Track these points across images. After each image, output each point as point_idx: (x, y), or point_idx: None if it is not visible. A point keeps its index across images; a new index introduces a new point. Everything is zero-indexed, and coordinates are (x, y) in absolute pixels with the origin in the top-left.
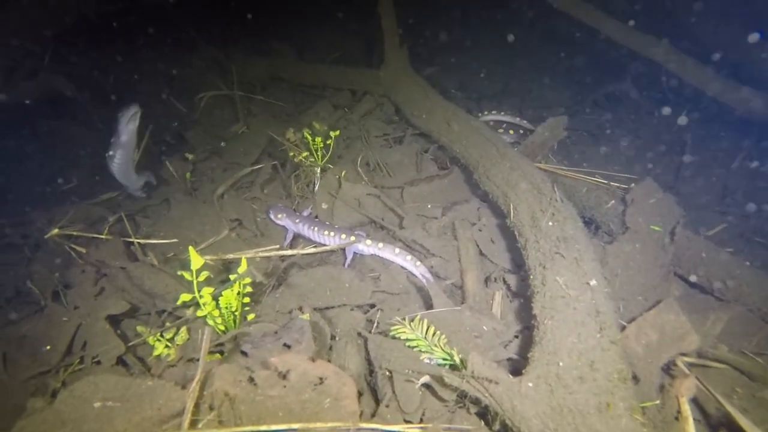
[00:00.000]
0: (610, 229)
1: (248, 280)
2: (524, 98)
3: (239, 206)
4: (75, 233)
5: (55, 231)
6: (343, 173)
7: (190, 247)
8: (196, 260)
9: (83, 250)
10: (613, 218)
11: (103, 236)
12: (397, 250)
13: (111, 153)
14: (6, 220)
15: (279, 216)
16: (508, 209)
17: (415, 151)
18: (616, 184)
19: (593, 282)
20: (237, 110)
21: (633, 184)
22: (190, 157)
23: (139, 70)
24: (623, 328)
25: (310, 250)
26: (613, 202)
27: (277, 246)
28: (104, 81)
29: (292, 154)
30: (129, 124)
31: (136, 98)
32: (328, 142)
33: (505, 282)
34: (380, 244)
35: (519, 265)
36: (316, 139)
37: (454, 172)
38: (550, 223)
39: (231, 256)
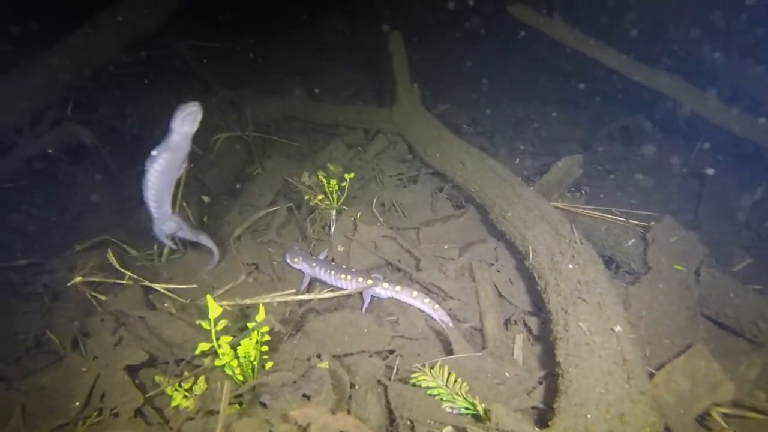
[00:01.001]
0: (631, 269)
1: (266, 328)
2: (537, 132)
3: (255, 250)
4: (97, 280)
5: (78, 279)
6: (358, 215)
7: (208, 296)
8: (214, 309)
9: (104, 298)
10: (634, 257)
11: (124, 282)
12: (415, 292)
13: (154, 153)
14: (27, 268)
15: (295, 260)
16: (527, 251)
17: (429, 190)
18: (634, 222)
19: (618, 328)
20: (252, 151)
21: (653, 222)
22: (206, 199)
23: (155, 114)
24: (652, 375)
25: (327, 294)
26: (633, 240)
27: (294, 290)
28: (122, 127)
29: (307, 197)
30: (184, 125)
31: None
32: (343, 184)
33: (525, 325)
34: (398, 287)
35: (539, 306)
36: (331, 182)
37: (470, 212)
38: (571, 266)
39: (248, 301)
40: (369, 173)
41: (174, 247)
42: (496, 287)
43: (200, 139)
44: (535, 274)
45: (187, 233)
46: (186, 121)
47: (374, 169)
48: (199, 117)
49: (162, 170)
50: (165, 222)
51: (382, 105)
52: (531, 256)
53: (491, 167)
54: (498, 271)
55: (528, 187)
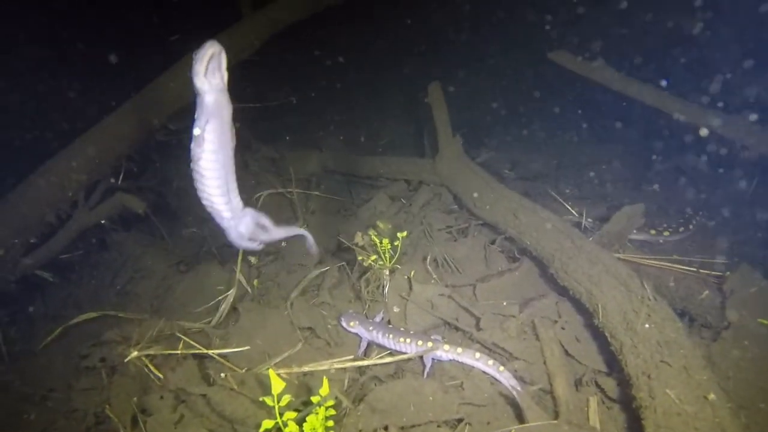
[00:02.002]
0: (707, 322)
1: (331, 402)
2: (581, 174)
3: (309, 313)
4: (153, 353)
5: (135, 353)
6: (412, 273)
7: (270, 371)
8: (277, 384)
9: (161, 375)
10: (709, 310)
11: (179, 352)
12: (478, 354)
13: (197, 131)
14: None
15: (351, 323)
16: (595, 308)
17: (481, 243)
18: (705, 272)
19: (712, 396)
20: (295, 208)
21: (728, 272)
22: (253, 261)
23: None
24: None
25: (387, 359)
26: (707, 292)
27: (352, 356)
28: (167, 192)
29: (360, 258)
30: (213, 77)
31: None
32: (395, 243)
33: (598, 386)
34: (459, 349)
35: (611, 365)
36: (383, 242)
37: (526, 264)
38: (647, 326)
39: (306, 369)
40: (417, 227)
41: (258, 248)
42: (563, 346)
43: (242, 197)
44: (606, 334)
45: (271, 229)
46: (212, 70)
47: (422, 223)
48: (224, 58)
49: (215, 148)
50: (241, 220)
51: (420, 154)
52: (600, 314)
53: (546, 218)
54: (563, 329)
55: (587, 238)
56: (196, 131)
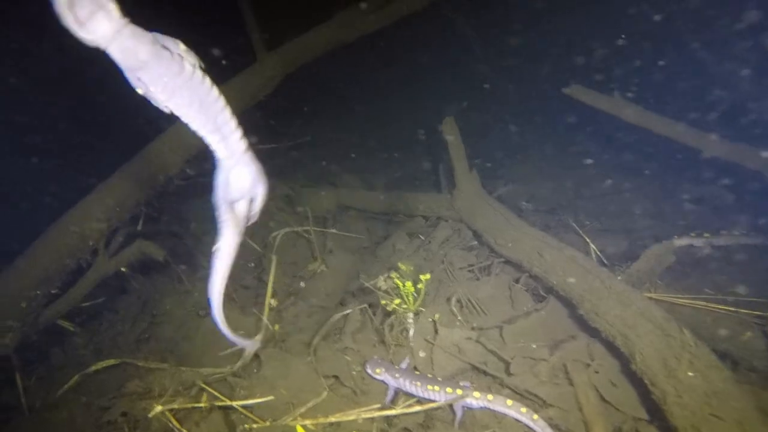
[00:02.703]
0: (752, 366)
1: None
2: (601, 205)
3: (333, 359)
4: (177, 407)
5: (158, 409)
6: (436, 316)
7: (298, 427)
8: None
9: (186, 431)
10: (755, 353)
11: (202, 405)
12: (510, 401)
13: (140, 91)
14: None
15: (377, 371)
16: (631, 354)
17: (505, 282)
18: (745, 311)
19: None
20: (312, 248)
21: None
22: (273, 302)
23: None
24: None
25: (416, 408)
26: (749, 333)
27: (379, 405)
28: (184, 236)
29: (384, 302)
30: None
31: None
32: (419, 286)
33: None
34: (489, 396)
35: (653, 413)
36: (406, 285)
37: (552, 304)
38: (691, 374)
39: (333, 419)
40: (438, 266)
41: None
42: (598, 391)
43: (258, 237)
44: (646, 381)
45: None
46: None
47: (443, 262)
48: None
49: (169, 93)
50: (238, 169)
51: (436, 189)
52: (638, 359)
53: (572, 257)
54: (597, 372)
55: (616, 277)
56: (139, 91)
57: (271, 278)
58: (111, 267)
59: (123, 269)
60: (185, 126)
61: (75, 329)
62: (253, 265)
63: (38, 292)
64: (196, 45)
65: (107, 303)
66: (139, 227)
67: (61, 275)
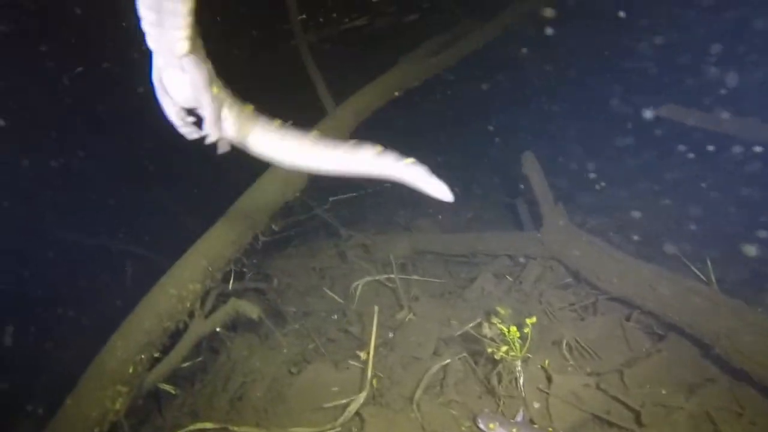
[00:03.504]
0: None
1: None
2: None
3: (438, 414)
4: None
5: None
6: (546, 362)
7: None
8: None
9: None
10: None
11: None
12: None
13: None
14: None
15: (491, 426)
16: None
17: (615, 321)
18: None
19: None
20: (398, 295)
21: None
22: (363, 355)
23: (291, 269)
24: None
25: None
26: None
27: None
28: (268, 289)
29: (491, 350)
30: None
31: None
32: (525, 330)
33: None
34: None
35: None
36: (511, 330)
37: (675, 341)
38: None
39: None
40: (535, 307)
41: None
42: None
43: (338, 287)
44: None
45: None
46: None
47: (540, 302)
48: None
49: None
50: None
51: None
52: None
53: (694, 289)
54: (753, 424)
55: (756, 311)
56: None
57: (375, 330)
58: (207, 327)
59: (218, 329)
60: None
61: (177, 392)
62: (335, 317)
63: (142, 356)
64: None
65: (201, 363)
66: (230, 286)
67: (162, 338)
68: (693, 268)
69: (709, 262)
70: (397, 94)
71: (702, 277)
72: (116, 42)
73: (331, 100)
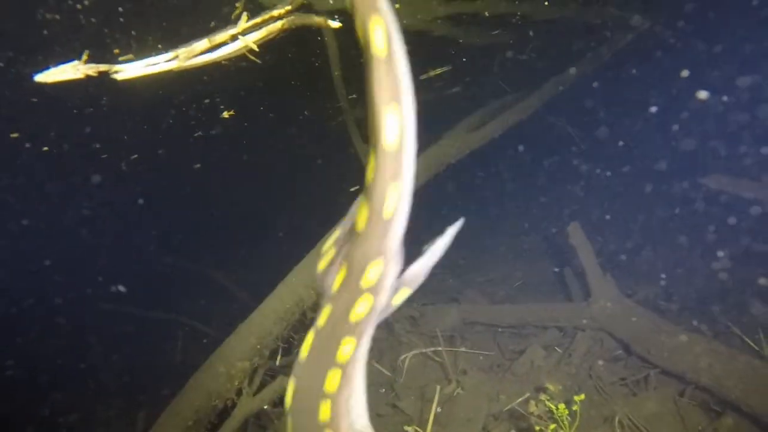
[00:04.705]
0: None
1: None
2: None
3: None
4: None
5: None
6: None
7: None
8: None
9: None
10: None
11: None
12: None
13: None
14: None
15: None
16: None
17: (669, 396)
18: None
19: None
20: (446, 369)
21: None
22: (410, 430)
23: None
24: None
25: None
26: None
27: None
28: None
29: (539, 428)
30: None
31: None
32: (574, 408)
33: None
34: None
35: None
36: (559, 407)
37: (732, 419)
38: None
39: None
40: (584, 381)
41: None
42: None
43: (385, 360)
44: None
45: None
46: None
47: (590, 377)
48: None
49: None
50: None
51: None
52: None
53: (750, 365)
54: None
55: None
56: None
57: (434, 406)
58: (255, 405)
59: (266, 407)
60: None
61: None
62: (383, 390)
63: None
64: None
65: None
66: (278, 362)
67: (211, 417)
68: (747, 339)
69: (761, 334)
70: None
71: (755, 347)
72: None
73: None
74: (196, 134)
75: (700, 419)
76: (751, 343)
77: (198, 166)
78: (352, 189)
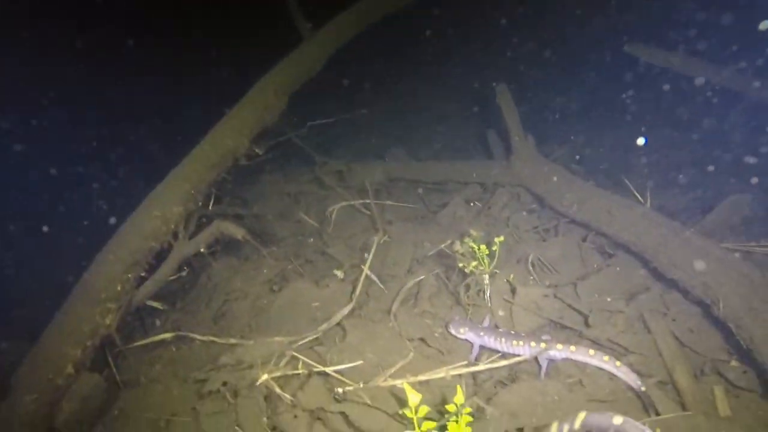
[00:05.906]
0: None
1: (468, 409)
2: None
3: (414, 323)
4: (279, 374)
5: (264, 376)
6: (511, 276)
7: (405, 384)
8: (414, 395)
9: (289, 397)
10: None
11: (300, 371)
12: (592, 351)
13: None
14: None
15: (461, 330)
16: (714, 300)
17: (573, 241)
18: None
19: None
20: (374, 220)
21: None
22: (340, 274)
23: (266, 194)
24: None
25: (502, 362)
26: None
27: (465, 362)
28: (247, 214)
29: (461, 264)
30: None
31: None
32: (493, 248)
33: (721, 375)
34: (572, 347)
35: (732, 353)
36: (481, 248)
37: (622, 258)
38: None
39: (423, 377)
40: (503, 230)
41: None
42: (676, 337)
43: (313, 211)
44: (731, 325)
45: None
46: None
47: (508, 225)
48: None
49: None
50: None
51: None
52: (721, 306)
53: (643, 215)
54: (674, 320)
55: (690, 230)
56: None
57: (374, 248)
58: (191, 248)
59: (202, 250)
60: None
61: (164, 307)
62: (312, 240)
63: (130, 275)
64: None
65: (185, 283)
66: (210, 208)
67: (148, 258)
68: (636, 193)
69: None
70: None
71: (641, 199)
72: None
73: (307, 28)
74: None
75: (596, 259)
76: (638, 195)
77: None
78: None
